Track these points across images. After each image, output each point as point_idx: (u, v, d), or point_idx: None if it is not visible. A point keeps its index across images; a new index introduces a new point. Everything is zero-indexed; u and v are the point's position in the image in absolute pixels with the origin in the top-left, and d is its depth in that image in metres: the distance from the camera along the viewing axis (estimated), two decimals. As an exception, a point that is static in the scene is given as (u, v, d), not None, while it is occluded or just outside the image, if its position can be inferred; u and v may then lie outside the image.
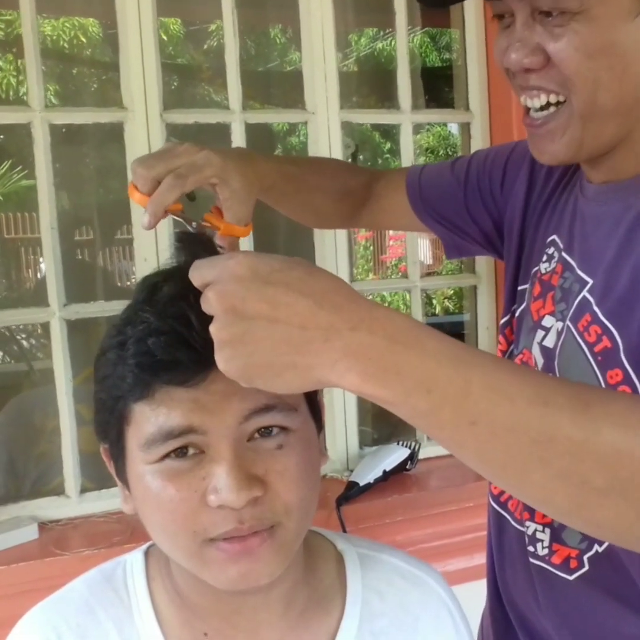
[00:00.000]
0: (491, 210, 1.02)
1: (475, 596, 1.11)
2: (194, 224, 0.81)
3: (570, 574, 0.84)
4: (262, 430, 0.64)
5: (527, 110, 0.80)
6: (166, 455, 0.64)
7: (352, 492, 1.55)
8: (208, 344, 0.60)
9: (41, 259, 1.56)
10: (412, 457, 1.68)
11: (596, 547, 0.81)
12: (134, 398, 0.64)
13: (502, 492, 0.96)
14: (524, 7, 0.74)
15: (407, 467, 1.68)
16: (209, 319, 0.57)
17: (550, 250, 0.89)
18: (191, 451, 0.64)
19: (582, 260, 0.83)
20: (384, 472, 1.62)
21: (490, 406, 0.50)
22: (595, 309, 0.78)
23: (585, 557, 0.83)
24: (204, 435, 0.63)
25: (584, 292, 0.81)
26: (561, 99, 0.76)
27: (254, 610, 0.71)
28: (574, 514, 0.53)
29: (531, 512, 0.88)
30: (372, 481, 1.59)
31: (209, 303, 0.54)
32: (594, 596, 0.83)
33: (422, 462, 1.74)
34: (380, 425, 2.02)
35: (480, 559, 1.57)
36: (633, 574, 0.79)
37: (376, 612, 0.76)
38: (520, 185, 0.97)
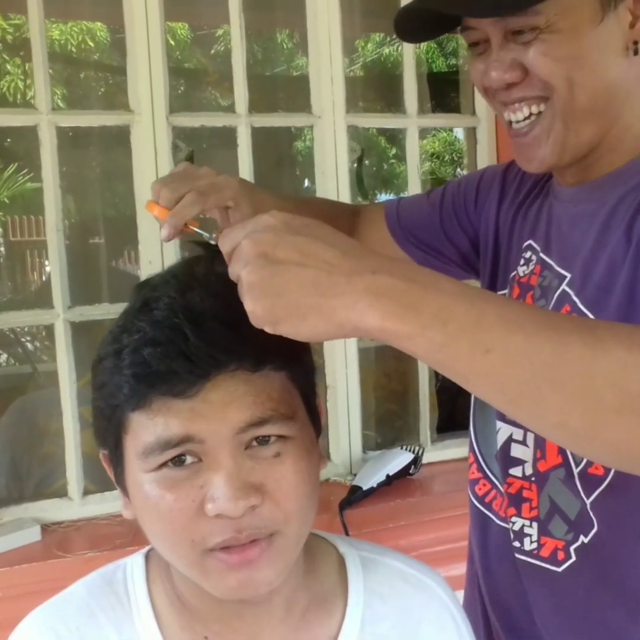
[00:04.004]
0: (467, 229, 1.08)
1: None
2: (213, 234, 0.83)
3: (559, 566, 0.87)
4: (260, 438, 0.64)
5: (510, 123, 0.86)
6: (164, 464, 0.63)
7: (355, 496, 1.55)
8: (204, 354, 0.60)
9: (46, 262, 1.56)
10: (415, 461, 1.68)
11: (581, 537, 0.84)
12: (131, 408, 0.64)
13: (487, 493, 0.99)
14: (499, 31, 0.82)
15: (411, 471, 1.68)
16: (204, 329, 0.60)
17: (527, 254, 0.94)
18: (189, 460, 0.63)
19: (561, 258, 0.87)
20: (388, 476, 1.61)
21: (504, 334, 0.53)
22: (575, 299, 0.83)
23: (571, 549, 0.85)
24: (201, 444, 0.62)
25: (563, 286, 0.85)
26: (542, 108, 0.82)
27: (254, 614, 0.71)
28: (590, 435, 0.54)
29: (518, 507, 0.90)
30: (375, 485, 1.59)
31: (242, 250, 0.57)
32: (582, 586, 0.85)
33: (425, 466, 1.74)
34: (384, 429, 2.02)
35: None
36: (621, 561, 0.82)
37: (378, 616, 0.76)
38: (492, 200, 1.04)
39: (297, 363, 0.68)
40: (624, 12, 0.80)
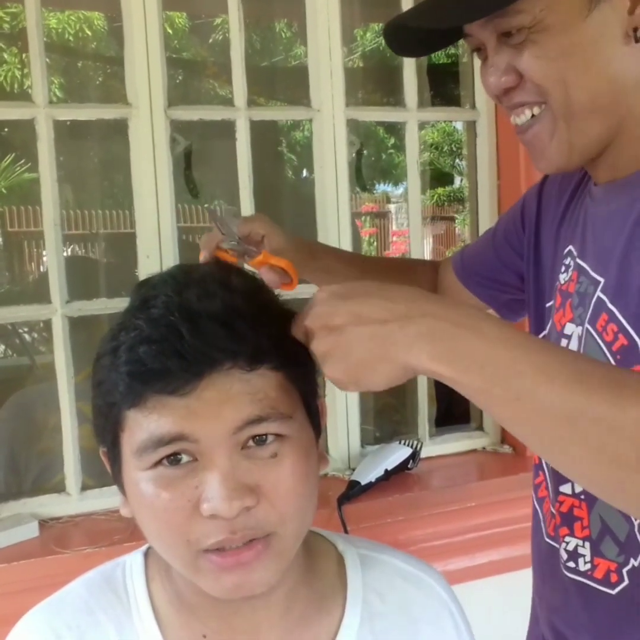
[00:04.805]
0: (519, 250, 1.07)
1: (476, 596, 1.11)
2: (246, 257, 0.92)
3: (613, 588, 0.85)
4: (257, 437, 0.64)
5: (517, 126, 0.85)
6: (159, 462, 0.63)
7: (353, 491, 1.54)
8: (198, 353, 0.60)
9: (44, 253, 1.55)
10: (414, 456, 1.67)
11: (632, 561, 0.82)
12: (127, 405, 0.64)
13: (549, 510, 0.96)
14: (490, 35, 0.80)
15: (409, 466, 1.67)
16: (199, 328, 0.61)
17: (567, 261, 0.92)
18: (185, 459, 0.63)
19: (595, 262, 0.85)
20: (386, 471, 1.61)
21: (533, 385, 0.55)
22: (611, 307, 0.80)
23: (624, 571, 0.83)
24: (196, 443, 0.62)
25: (598, 292, 0.82)
26: (542, 108, 0.81)
27: (253, 611, 0.71)
28: (612, 490, 0.56)
29: (570, 526, 0.89)
30: (373, 480, 1.58)
31: (308, 327, 0.63)
32: (636, 610, 0.83)
33: (424, 461, 1.73)
34: (382, 423, 2.02)
35: (481, 558, 1.58)
36: None
37: (377, 613, 0.76)
38: (532, 212, 1.04)
39: (295, 363, 0.68)
40: None
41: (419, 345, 0.57)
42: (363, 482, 1.56)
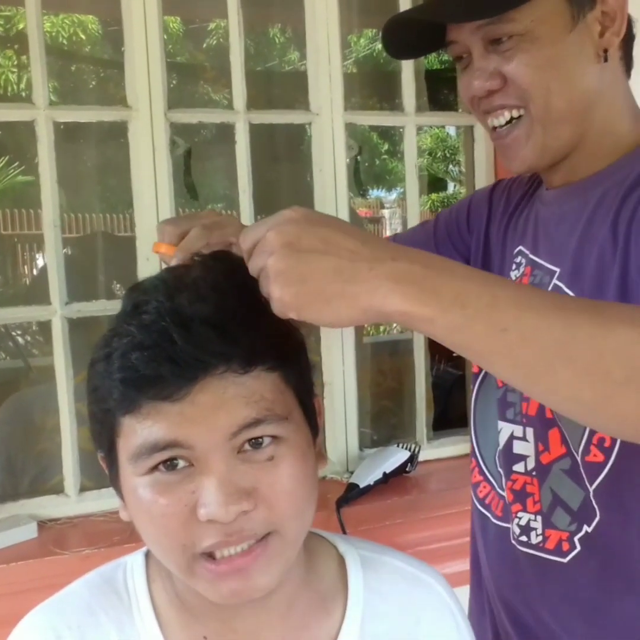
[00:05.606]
0: (461, 250, 1.13)
1: (474, 599, 1.11)
2: None
3: (564, 557, 0.89)
4: (253, 440, 0.64)
5: (494, 128, 0.90)
6: (155, 468, 0.63)
7: (352, 494, 1.55)
8: (191, 358, 0.60)
9: (38, 256, 1.55)
10: (412, 459, 1.68)
11: (585, 527, 0.87)
12: (122, 412, 0.64)
13: (486, 495, 1.02)
14: (478, 41, 0.86)
15: (407, 469, 1.68)
16: (191, 333, 0.60)
17: (518, 259, 0.98)
18: (181, 464, 0.63)
19: (549, 255, 0.91)
20: (384, 474, 1.61)
21: (518, 314, 0.56)
22: (567, 291, 0.86)
23: (575, 539, 0.88)
24: (191, 449, 0.62)
25: (554, 280, 0.88)
26: (521, 112, 0.87)
27: (254, 613, 0.71)
28: (600, 408, 0.57)
29: (523, 502, 0.93)
30: (372, 483, 1.58)
31: (267, 241, 0.60)
32: (590, 576, 0.87)
33: (422, 464, 1.74)
34: (380, 427, 2.02)
35: (479, 561, 1.58)
36: (628, 549, 0.84)
37: (378, 614, 0.76)
38: (481, 220, 1.09)
39: (290, 363, 0.67)
40: (593, 22, 0.84)
41: (389, 286, 0.56)
42: (361, 485, 1.57)
